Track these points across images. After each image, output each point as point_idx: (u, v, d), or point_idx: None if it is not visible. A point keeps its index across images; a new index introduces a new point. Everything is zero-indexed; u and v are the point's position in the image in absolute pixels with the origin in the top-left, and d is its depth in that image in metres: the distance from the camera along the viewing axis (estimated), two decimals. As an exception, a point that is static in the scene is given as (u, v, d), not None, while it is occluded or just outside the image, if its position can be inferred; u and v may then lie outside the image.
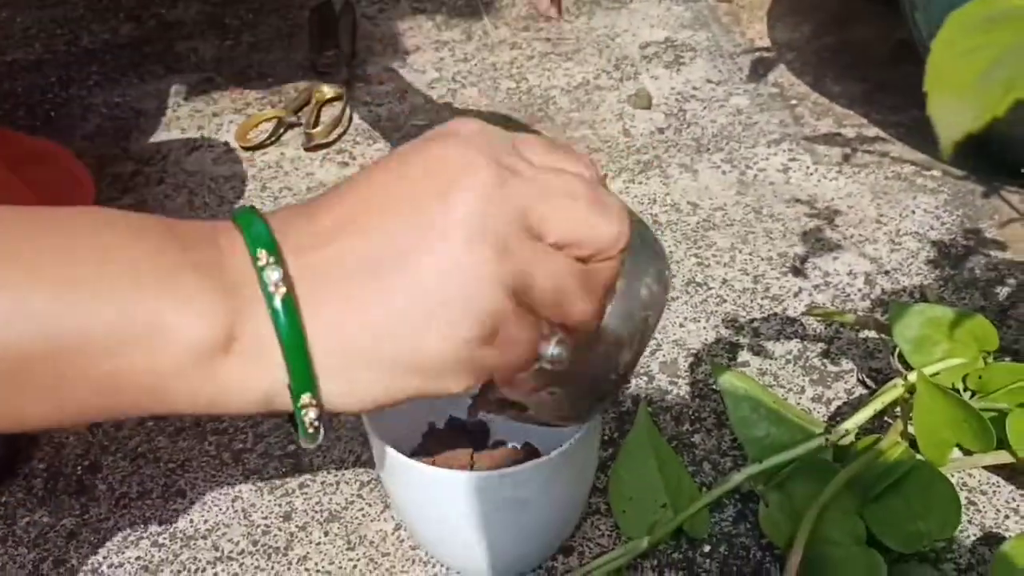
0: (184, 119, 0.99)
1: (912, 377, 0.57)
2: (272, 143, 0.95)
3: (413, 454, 0.55)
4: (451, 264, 0.34)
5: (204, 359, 0.33)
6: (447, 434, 0.58)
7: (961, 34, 0.28)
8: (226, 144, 0.95)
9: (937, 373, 0.58)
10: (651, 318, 0.42)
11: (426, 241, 0.34)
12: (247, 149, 0.94)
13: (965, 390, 0.59)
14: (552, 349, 0.37)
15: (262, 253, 0.33)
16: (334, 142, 0.94)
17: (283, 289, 0.33)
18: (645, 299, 0.41)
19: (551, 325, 0.37)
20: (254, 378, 0.33)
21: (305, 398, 0.34)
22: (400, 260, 0.34)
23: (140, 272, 0.32)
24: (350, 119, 0.98)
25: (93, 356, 0.32)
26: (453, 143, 0.36)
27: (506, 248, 0.35)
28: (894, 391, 0.58)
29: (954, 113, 0.25)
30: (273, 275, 0.33)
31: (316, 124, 0.97)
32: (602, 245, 0.37)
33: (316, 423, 0.35)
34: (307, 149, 0.93)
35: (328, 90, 1.00)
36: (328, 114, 0.99)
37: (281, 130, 0.96)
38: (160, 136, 0.96)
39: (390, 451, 0.49)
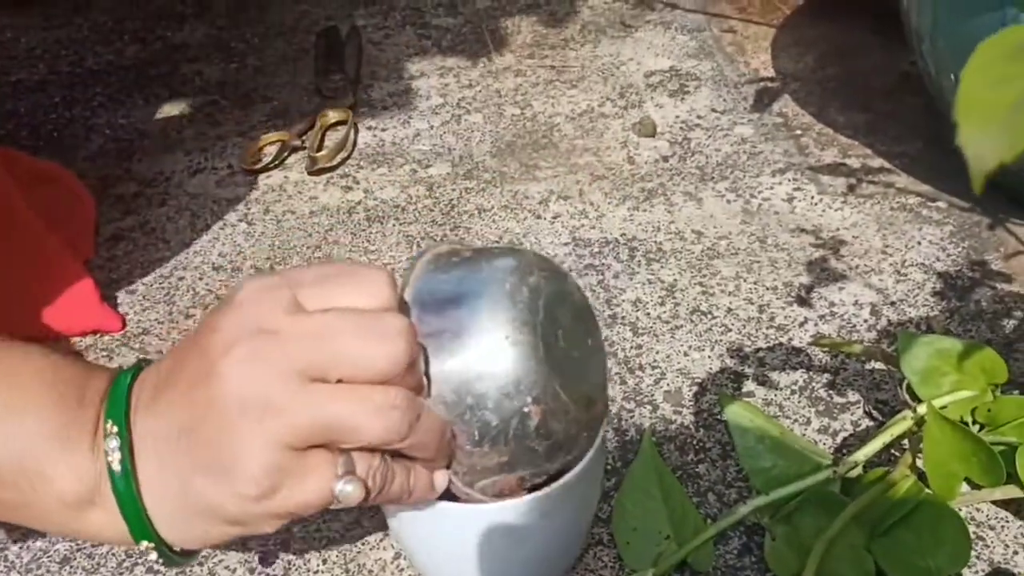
0: (188, 141, 0.98)
1: (921, 409, 0.56)
2: (276, 166, 0.95)
3: None
4: (226, 434, 0.38)
5: (74, 508, 0.40)
6: None
7: (992, 63, 0.28)
8: (230, 166, 0.94)
9: (945, 406, 0.58)
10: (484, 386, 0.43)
11: (208, 414, 0.39)
12: (250, 172, 0.94)
13: (974, 423, 0.59)
14: (341, 486, 0.39)
15: (110, 423, 0.40)
16: (338, 166, 0.94)
17: (118, 455, 0.39)
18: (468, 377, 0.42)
19: (348, 458, 0.40)
20: (112, 526, 0.40)
21: (143, 544, 0.41)
22: (194, 431, 0.39)
23: (40, 426, 0.40)
24: (354, 143, 0.98)
25: None
26: (223, 316, 0.40)
27: (268, 407, 0.38)
28: (903, 423, 0.57)
29: (985, 144, 0.25)
30: (112, 443, 0.40)
31: (320, 148, 0.96)
32: (381, 371, 0.39)
33: (160, 561, 0.42)
34: (311, 173, 0.93)
35: (333, 114, 1.00)
36: (332, 138, 0.98)
37: (285, 153, 0.96)
38: (163, 158, 0.96)
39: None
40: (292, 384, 0.38)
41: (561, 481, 0.47)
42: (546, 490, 0.47)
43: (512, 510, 0.47)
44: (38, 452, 0.39)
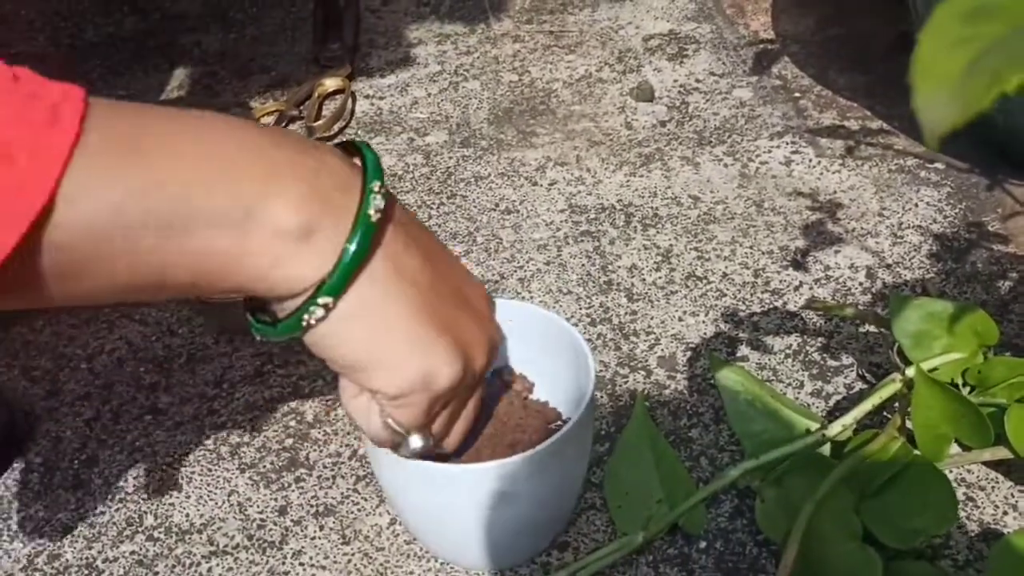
0: (186, 112, 0.98)
1: (910, 372, 0.56)
2: (273, 136, 0.95)
3: None
4: (478, 331, 0.45)
5: (287, 242, 0.38)
6: None
7: (948, 26, 0.28)
8: (227, 137, 0.94)
9: (936, 368, 0.58)
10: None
11: (472, 311, 0.45)
12: (248, 142, 0.94)
13: (964, 385, 0.59)
14: (416, 441, 0.45)
15: (377, 183, 0.40)
16: (336, 135, 0.94)
17: (377, 216, 0.39)
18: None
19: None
20: (313, 266, 0.39)
21: (324, 300, 0.39)
22: (454, 298, 0.44)
23: (249, 170, 0.37)
24: (352, 112, 0.97)
25: (195, 232, 0.36)
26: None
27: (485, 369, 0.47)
28: (892, 386, 0.57)
29: (940, 106, 0.25)
30: (379, 202, 0.39)
31: (318, 117, 0.96)
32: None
33: (313, 323, 0.40)
34: (308, 142, 0.93)
35: (330, 83, 1.00)
36: (330, 107, 0.98)
37: (283, 123, 0.96)
38: (162, 130, 0.96)
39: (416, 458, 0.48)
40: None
41: (550, 441, 0.48)
42: (536, 449, 0.48)
43: (503, 470, 0.47)
44: (252, 190, 0.37)
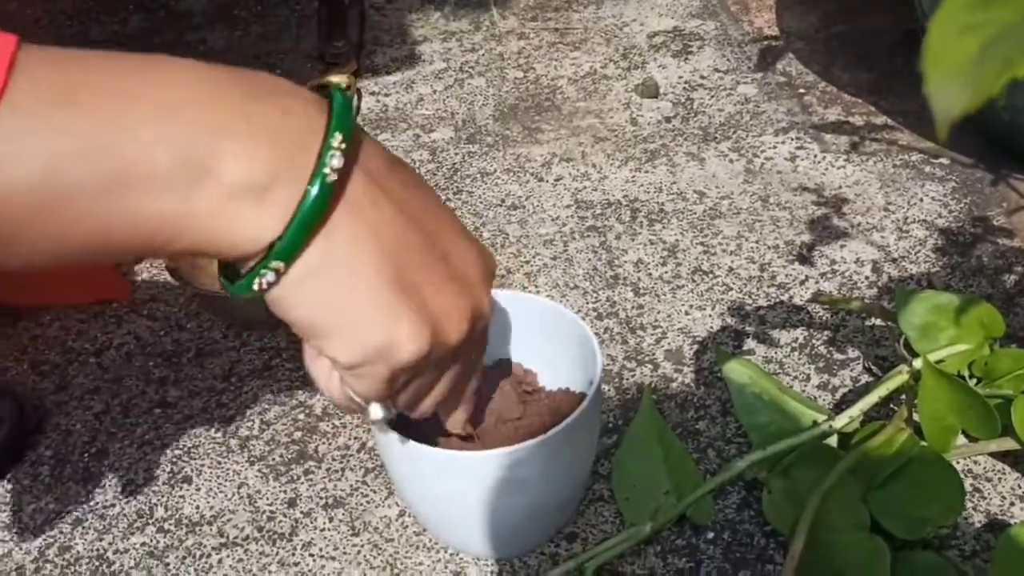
0: (192, 109, 0.99)
1: (917, 363, 0.57)
2: (279, 133, 0.95)
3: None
4: (454, 300, 0.40)
5: (240, 200, 0.35)
6: None
7: (959, 12, 0.28)
8: (234, 134, 0.95)
9: (942, 360, 0.58)
10: None
11: (441, 232, 0.40)
12: (255, 139, 0.94)
13: (971, 377, 0.59)
14: (376, 411, 0.41)
15: (339, 137, 0.36)
16: (341, 132, 0.94)
17: (333, 177, 0.35)
18: None
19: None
20: (265, 228, 0.35)
21: (276, 264, 0.36)
22: (428, 260, 0.39)
23: (201, 116, 0.34)
24: (358, 109, 0.97)
25: (135, 192, 0.33)
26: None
27: (462, 343, 0.42)
28: (899, 378, 0.57)
29: (951, 93, 0.25)
30: (335, 161, 0.35)
31: (323, 114, 0.97)
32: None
33: (265, 288, 0.37)
34: (314, 139, 0.93)
35: (336, 80, 1.00)
36: (336, 104, 0.99)
37: (288, 120, 0.96)
38: (168, 126, 0.96)
39: (387, 429, 0.49)
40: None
41: (561, 426, 0.48)
42: (547, 435, 0.48)
43: (513, 456, 0.48)
44: (204, 140, 0.34)
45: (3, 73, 0.30)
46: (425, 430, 0.56)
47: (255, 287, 0.37)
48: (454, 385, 0.45)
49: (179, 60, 0.35)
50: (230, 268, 0.39)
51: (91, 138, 0.32)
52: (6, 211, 0.31)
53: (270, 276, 0.36)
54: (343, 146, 0.36)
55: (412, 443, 0.48)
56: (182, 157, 0.33)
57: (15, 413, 0.66)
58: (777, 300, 0.73)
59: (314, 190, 0.35)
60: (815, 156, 0.87)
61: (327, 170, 0.35)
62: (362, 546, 0.58)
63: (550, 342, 0.57)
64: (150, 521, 0.60)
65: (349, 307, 0.37)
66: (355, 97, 0.38)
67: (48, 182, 0.31)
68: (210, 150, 0.34)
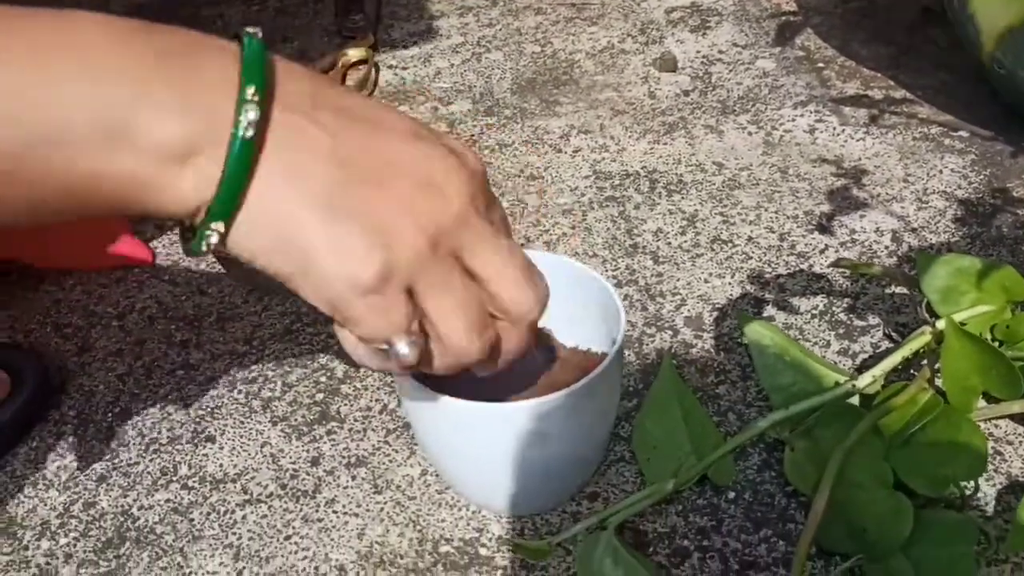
0: (211, 82, 0.99)
1: (940, 324, 0.57)
2: (298, 105, 0.95)
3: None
4: (407, 205, 0.38)
5: (164, 163, 0.35)
6: None
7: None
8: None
9: (964, 322, 0.58)
10: None
11: (383, 168, 0.38)
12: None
13: (993, 340, 0.59)
14: (402, 347, 0.39)
15: (251, 89, 0.35)
16: (360, 104, 0.95)
17: (251, 132, 0.35)
18: None
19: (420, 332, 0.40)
20: (191, 190, 0.35)
21: (216, 225, 0.36)
22: (370, 176, 0.37)
23: (120, 77, 0.34)
24: (375, 83, 0.98)
25: (68, 153, 0.33)
26: (426, 135, 0.40)
27: (438, 241, 0.38)
28: (922, 339, 0.58)
29: (995, 8, 0.25)
30: (251, 115, 0.35)
31: (342, 87, 0.97)
32: (515, 309, 0.41)
33: (212, 246, 0.37)
34: (333, 111, 0.94)
35: (354, 54, 1.00)
36: (353, 78, 0.99)
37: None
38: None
39: (411, 381, 0.49)
40: (454, 248, 0.39)
41: (585, 380, 0.48)
42: (572, 388, 0.48)
43: (539, 408, 0.48)
44: (121, 101, 0.34)
45: None
46: (448, 389, 0.56)
47: (203, 247, 0.37)
48: (490, 264, 0.41)
49: (93, 15, 0.35)
50: (186, 227, 0.39)
51: (11, 98, 0.32)
52: None
53: (214, 237, 0.36)
54: (256, 97, 0.35)
55: (437, 395, 0.49)
56: (102, 120, 0.33)
57: (39, 373, 0.66)
58: (797, 268, 0.73)
59: (235, 148, 0.35)
60: (834, 129, 0.87)
61: (244, 125, 0.35)
62: (385, 503, 0.58)
63: (573, 301, 0.57)
64: (174, 478, 0.61)
65: (297, 249, 0.37)
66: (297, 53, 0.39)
67: None
68: (128, 114, 0.34)
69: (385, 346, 0.40)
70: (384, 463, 0.61)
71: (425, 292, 0.39)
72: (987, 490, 0.57)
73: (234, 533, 0.57)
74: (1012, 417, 0.60)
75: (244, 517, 0.58)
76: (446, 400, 0.48)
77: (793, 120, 0.88)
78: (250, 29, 0.37)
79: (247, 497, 0.59)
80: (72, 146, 0.33)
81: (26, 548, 0.57)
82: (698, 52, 0.98)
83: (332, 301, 0.38)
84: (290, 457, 0.62)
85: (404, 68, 1.00)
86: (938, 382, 0.58)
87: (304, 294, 0.38)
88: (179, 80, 0.35)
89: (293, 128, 0.36)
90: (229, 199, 0.35)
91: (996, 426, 0.60)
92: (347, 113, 0.38)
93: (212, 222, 0.36)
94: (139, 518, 0.59)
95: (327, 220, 0.37)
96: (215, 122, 0.35)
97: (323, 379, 0.67)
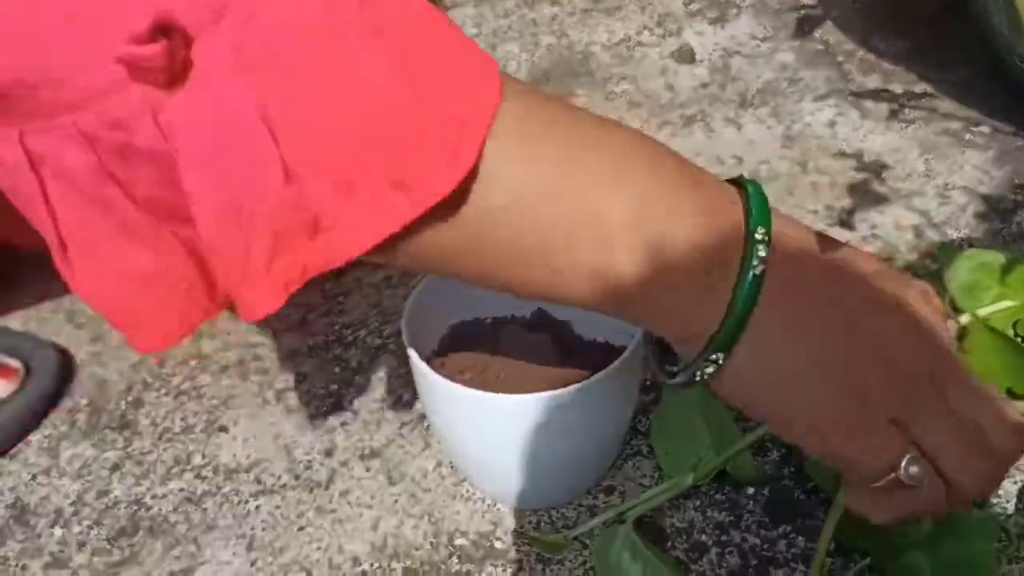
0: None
1: (964, 319, 0.56)
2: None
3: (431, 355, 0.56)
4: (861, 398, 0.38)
5: (689, 285, 0.36)
6: (464, 335, 0.58)
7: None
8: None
9: (987, 317, 0.57)
10: None
11: (849, 354, 0.38)
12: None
13: (1016, 336, 0.58)
14: (910, 467, 0.39)
15: (762, 231, 0.36)
16: (375, 95, 0.94)
17: (762, 269, 0.36)
18: None
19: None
20: (705, 314, 0.37)
21: (716, 355, 0.37)
22: (832, 349, 0.38)
23: (651, 189, 0.36)
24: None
25: (587, 246, 0.35)
26: (888, 307, 0.40)
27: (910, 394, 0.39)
28: (944, 334, 0.57)
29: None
30: (762, 252, 0.36)
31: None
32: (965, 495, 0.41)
33: (704, 377, 0.38)
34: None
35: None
36: (369, 68, 0.98)
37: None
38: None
39: (429, 371, 0.49)
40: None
41: (603, 372, 0.48)
42: (588, 380, 0.48)
43: (555, 400, 0.48)
44: (660, 216, 0.36)
45: (496, 96, 0.33)
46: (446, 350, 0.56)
47: (696, 378, 0.38)
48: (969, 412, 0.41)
49: (626, 128, 0.37)
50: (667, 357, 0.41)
51: (559, 175, 0.34)
52: (476, 231, 0.34)
53: (710, 368, 0.38)
54: (766, 238, 0.36)
55: (454, 385, 0.48)
56: (634, 224, 0.35)
57: (52, 362, 0.66)
58: (816, 263, 0.72)
59: (747, 284, 0.36)
60: (854, 123, 0.86)
61: (755, 262, 0.36)
62: (399, 495, 0.58)
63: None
64: (187, 468, 0.60)
65: (780, 402, 0.38)
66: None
67: (511, 210, 0.34)
68: (666, 222, 0.35)
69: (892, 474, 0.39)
70: (398, 455, 0.60)
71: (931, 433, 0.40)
72: (1008, 487, 0.56)
73: (247, 523, 0.57)
74: (1035, 414, 0.59)
75: (258, 507, 0.58)
76: (463, 391, 0.48)
77: (813, 114, 0.87)
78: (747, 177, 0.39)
79: (260, 487, 0.59)
80: (600, 243, 0.35)
81: (39, 536, 0.57)
82: (716, 44, 0.98)
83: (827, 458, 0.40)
84: (304, 448, 0.61)
85: (420, 59, 0.99)
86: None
87: (794, 440, 0.40)
88: (701, 208, 0.36)
89: (787, 279, 0.37)
90: (735, 331, 0.36)
91: (1019, 423, 0.59)
92: (833, 270, 0.39)
93: (713, 352, 0.37)
94: (152, 507, 0.58)
95: (820, 378, 0.38)
96: (727, 254, 0.36)
97: (337, 370, 0.66)
